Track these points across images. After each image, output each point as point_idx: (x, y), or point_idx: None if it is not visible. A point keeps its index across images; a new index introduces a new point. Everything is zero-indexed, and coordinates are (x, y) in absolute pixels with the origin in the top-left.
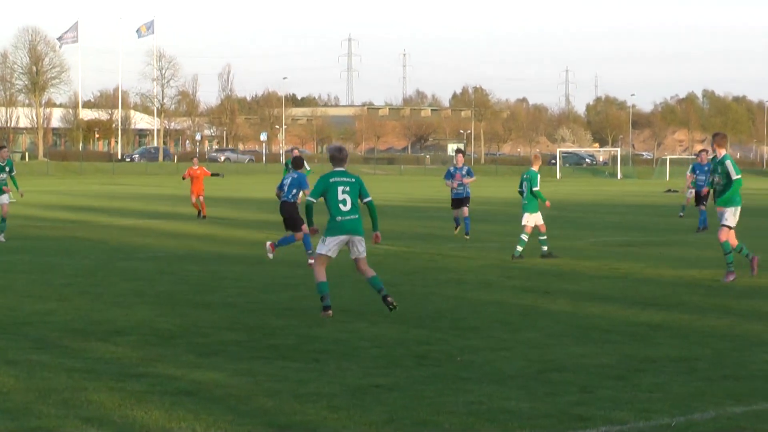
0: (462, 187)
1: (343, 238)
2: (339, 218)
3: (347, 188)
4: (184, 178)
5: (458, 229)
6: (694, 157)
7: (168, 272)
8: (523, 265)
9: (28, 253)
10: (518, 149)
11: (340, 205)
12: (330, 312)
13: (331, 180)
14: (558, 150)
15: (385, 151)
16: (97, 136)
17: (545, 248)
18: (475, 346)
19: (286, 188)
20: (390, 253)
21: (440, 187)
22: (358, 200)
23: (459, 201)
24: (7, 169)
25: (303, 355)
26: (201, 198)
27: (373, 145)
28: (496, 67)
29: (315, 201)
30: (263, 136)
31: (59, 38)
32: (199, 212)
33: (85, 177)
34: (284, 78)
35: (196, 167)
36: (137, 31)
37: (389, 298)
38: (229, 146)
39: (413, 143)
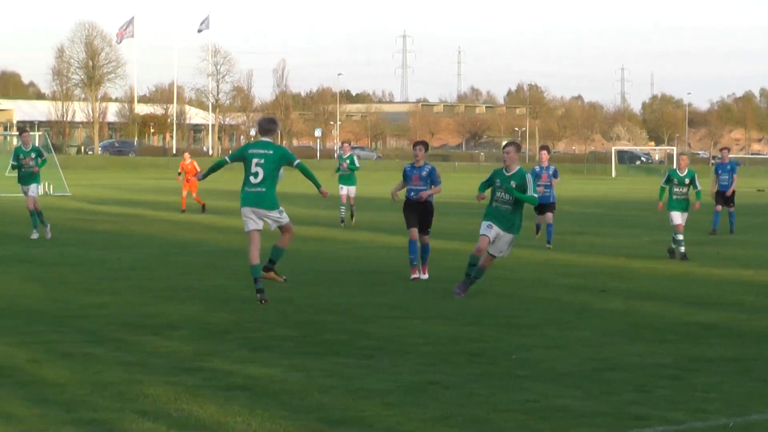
0: (548, 190)
1: (247, 210)
2: (246, 189)
3: (261, 160)
4: (179, 174)
5: (539, 234)
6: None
7: (219, 267)
8: (577, 264)
9: (81, 247)
10: (573, 147)
11: (251, 177)
12: (260, 297)
13: (249, 150)
14: (613, 148)
15: (439, 147)
16: (152, 130)
17: (683, 249)
18: (529, 344)
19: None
20: (443, 249)
21: None
22: (280, 169)
23: (543, 206)
24: (33, 155)
25: (356, 351)
26: (194, 194)
27: (427, 141)
28: (551, 65)
29: (228, 162)
30: (318, 132)
31: (117, 34)
32: (183, 208)
33: (140, 171)
34: (339, 74)
35: (188, 162)
36: (198, 30)
37: (265, 274)
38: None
39: (467, 140)
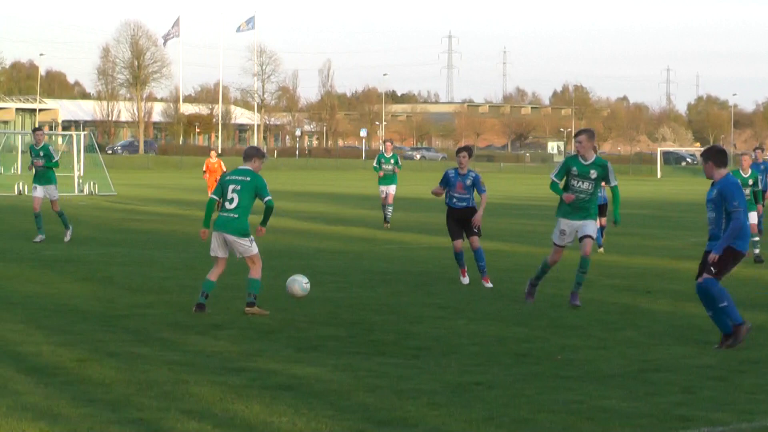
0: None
1: (216, 234)
2: (220, 214)
3: (238, 187)
4: (205, 173)
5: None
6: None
7: (267, 267)
8: (623, 265)
9: (126, 246)
10: (618, 148)
11: (226, 203)
12: (197, 308)
13: (227, 177)
14: (659, 149)
15: (484, 148)
16: (197, 130)
17: (757, 251)
18: (575, 344)
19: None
20: (488, 250)
21: (540, 184)
22: (252, 200)
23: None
24: (42, 153)
25: (402, 351)
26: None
27: (472, 142)
28: (596, 66)
29: (216, 199)
30: (363, 132)
31: (164, 37)
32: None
33: (185, 171)
34: (384, 74)
35: (215, 160)
36: (237, 28)
37: (249, 309)
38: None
39: (513, 141)
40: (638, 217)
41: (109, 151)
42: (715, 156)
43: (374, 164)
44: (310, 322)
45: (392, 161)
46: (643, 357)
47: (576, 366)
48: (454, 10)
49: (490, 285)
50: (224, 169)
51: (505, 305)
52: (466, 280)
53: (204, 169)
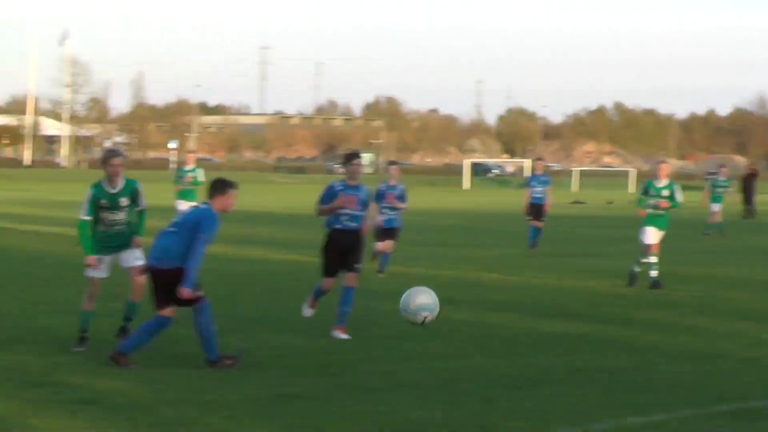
0: (394, 213)
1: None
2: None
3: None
4: None
5: (376, 263)
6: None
7: (68, 279)
8: (429, 276)
9: None
10: (427, 159)
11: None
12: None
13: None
14: (464, 161)
15: (295, 159)
16: (5, 142)
17: (654, 273)
18: (378, 355)
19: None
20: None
21: None
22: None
23: (387, 231)
24: None
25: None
26: None
27: (284, 153)
28: (408, 77)
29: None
30: (172, 144)
31: None
32: None
33: None
34: (197, 86)
35: None
36: (60, 42)
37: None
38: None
39: (324, 152)
40: (445, 227)
41: None
42: (212, 188)
43: (173, 178)
44: (108, 334)
45: (189, 174)
46: (444, 367)
47: (378, 377)
48: (267, 22)
49: (345, 336)
50: None
51: (314, 318)
52: (309, 310)
53: None
